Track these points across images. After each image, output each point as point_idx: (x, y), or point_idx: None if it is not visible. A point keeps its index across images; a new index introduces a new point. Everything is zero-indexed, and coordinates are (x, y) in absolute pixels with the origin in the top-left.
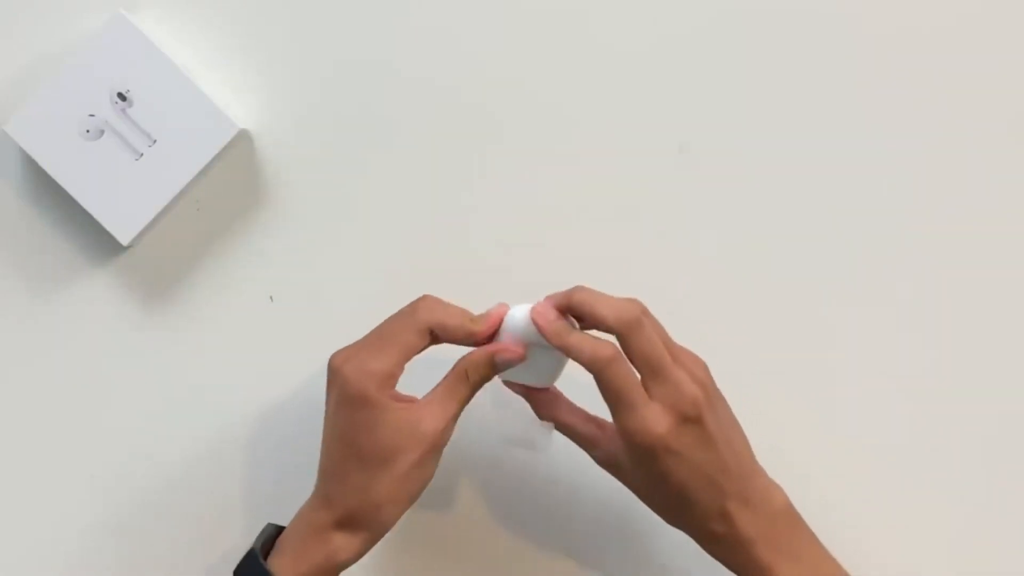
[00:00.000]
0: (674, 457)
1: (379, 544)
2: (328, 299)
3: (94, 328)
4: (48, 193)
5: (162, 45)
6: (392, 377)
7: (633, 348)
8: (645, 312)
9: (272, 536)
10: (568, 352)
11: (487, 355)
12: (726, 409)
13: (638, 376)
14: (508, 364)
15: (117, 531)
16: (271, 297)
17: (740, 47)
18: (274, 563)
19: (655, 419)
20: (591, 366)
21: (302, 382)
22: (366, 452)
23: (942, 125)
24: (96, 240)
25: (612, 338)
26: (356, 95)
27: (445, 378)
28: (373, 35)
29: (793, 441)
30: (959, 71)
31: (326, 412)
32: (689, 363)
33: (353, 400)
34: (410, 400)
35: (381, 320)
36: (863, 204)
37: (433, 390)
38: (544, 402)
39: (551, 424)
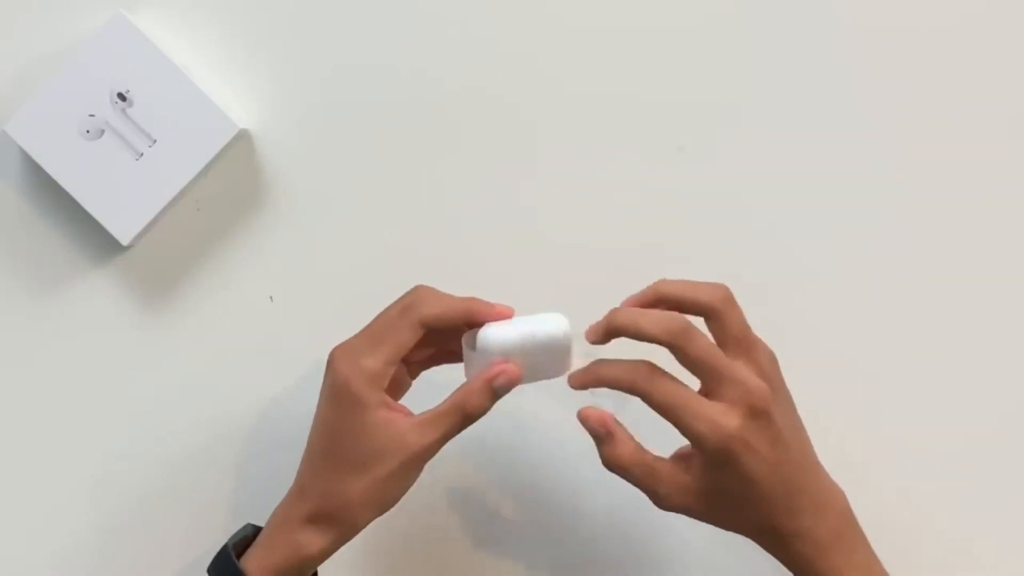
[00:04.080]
0: (751, 454)
1: (374, 546)
2: (328, 299)
3: (94, 328)
4: (48, 193)
5: (162, 45)
6: (383, 376)
7: (721, 329)
8: (729, 297)
9: (250, 536)
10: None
11: (483, 383)
12: (791, 404)
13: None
14: (508, 387)
15: (116, 530)
16: (271, 297)
17: (739, 47)
18: (247, 555)
19: (724, 415)
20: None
21: (302, 382)
22: (345, 451)
23: (941, 124)
24: (96, 240)
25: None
26: (356, 95)
27: (442, 403)
28: (373, 35)
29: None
30: (959, 70)
31: (318, 401)
32: (759, 355)
33: (341, 396)
34: (401, 410)
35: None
36: (862, 203)
37: (428, 411)
38: (607, 442)
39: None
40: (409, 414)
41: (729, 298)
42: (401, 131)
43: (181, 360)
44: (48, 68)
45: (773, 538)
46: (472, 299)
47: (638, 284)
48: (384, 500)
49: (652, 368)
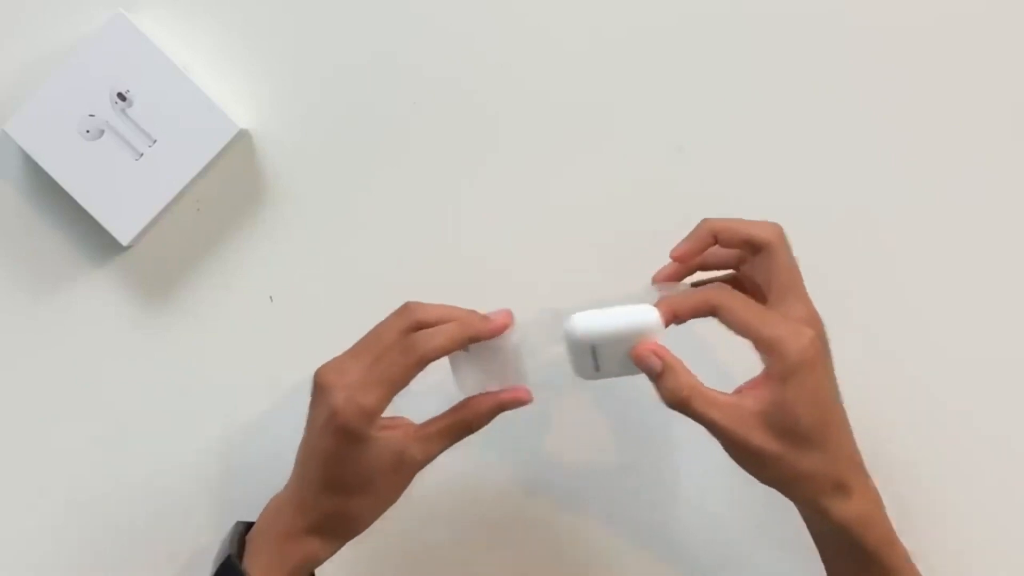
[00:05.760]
0: (823, 371)
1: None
2: (328, 299)
3: (94, 328)
4: (48, 193)
5: (162, 45)
6: (379, 412)
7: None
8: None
9: (242, 534)
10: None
11: (495, 405)
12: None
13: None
14: (517, 406)
15: (115, 529)
16: (271, 297)
17: (739, 48)
18: (250, 565)
19: (802, 324)
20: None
21: (301, 382)
22: (347, 478)
23: (941, 123)
24: (96, 240)
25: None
26: (356, 95)
27: (446, 416)
28: (373, 35)
29: None
30: (960, 68)
31: (310, 425)
32: (806, 294)
33: (339, 432)
34: (396, 423)
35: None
36: (862, 203)
37: (430, 422)
38: (665, 375)
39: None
40: (406, 421)
41: (783, 234)
42: (401, 131)
43: (181, 360)
44: (48, 68)
45: (813, 483)
46: (470, 320)
47: (638, 284)
48: (386, 506)
49: (728, 289)
